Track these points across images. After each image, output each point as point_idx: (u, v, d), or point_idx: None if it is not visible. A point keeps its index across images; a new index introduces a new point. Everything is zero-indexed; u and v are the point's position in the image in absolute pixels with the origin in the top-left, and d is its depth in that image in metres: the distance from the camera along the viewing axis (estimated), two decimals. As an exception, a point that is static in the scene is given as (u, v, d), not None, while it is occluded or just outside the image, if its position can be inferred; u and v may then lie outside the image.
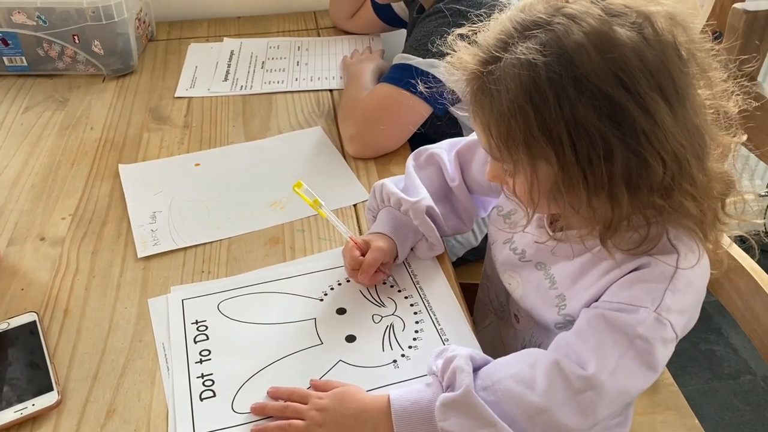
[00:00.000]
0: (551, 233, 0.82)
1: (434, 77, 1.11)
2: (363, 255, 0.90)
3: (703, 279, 0.76)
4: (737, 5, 0.89)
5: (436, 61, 1.13)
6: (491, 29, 0.71)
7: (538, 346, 0.87)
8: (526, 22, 0.68)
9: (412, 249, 0.96)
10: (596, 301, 0.75)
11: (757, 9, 0.88)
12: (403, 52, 1.21)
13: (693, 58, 0.68)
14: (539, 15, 0.68)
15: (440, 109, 1.18)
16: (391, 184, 0.96)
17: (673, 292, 0.71)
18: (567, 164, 0.66)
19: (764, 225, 2.30)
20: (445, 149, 1.00)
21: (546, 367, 0.70)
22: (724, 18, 0.94)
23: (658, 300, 0.71)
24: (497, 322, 0.98)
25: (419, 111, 1.17)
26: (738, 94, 0.73)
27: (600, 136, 0.64)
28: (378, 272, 0.91)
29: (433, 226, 0.93)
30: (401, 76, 1.17)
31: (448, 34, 0.75)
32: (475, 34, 0.74)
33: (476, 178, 0.97)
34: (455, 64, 0.74)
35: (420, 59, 1.16)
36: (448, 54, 0.75)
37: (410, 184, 0.96)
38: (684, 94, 0.67)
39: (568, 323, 0.80)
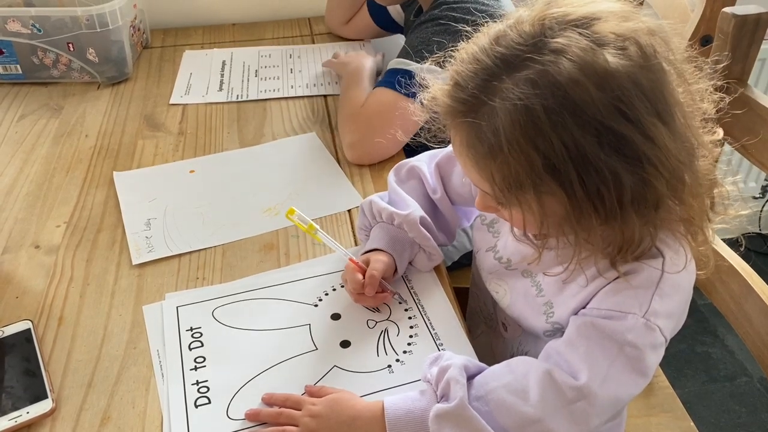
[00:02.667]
0: (536, 242, 0.82)
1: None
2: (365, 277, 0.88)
3: (690, 281, 0.76)
4: (726, 10, 0.90)
5: (434, 66, 1.13)
6: (465, 64, 0.69)
7: (526, 355, 0.87)
8: (507, 57, 0.66)
9: (410, 263, 0.95)
10: (584, 308, 0.75)
11: (746, 13, 0.88)
12: (399, 56, 1.21)
13: (673, 67, 0.68)
14: (520, 48, 0.65)
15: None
16: (380, 199, 0.95)
17: (661, 297, 0.71)
18: (577, 200, 0.65)
19: (759, 226, 2.31)
20: (424, 162, 0.99)
21: (538, 378, 0.70)
22: (714, 22, 0.95)
23: (645, 305, 0.71)
24: (487, 330, 0.98)
25: (419, 116, 1.18)
26: (712, 92, 0.72)
27: (607, 168, 0.63)
28: (383, 293, 0.90)
29: (428, 235, 0.92)
30: (398, 81, 1.17)
31: (445, 41, 0.74)
32: (441, 64, 0.72)
33: (457, 189, 0.96)
34: (434, 108, 0.72)
35: (417, 64, 1.16)
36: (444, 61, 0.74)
37: (397, 198, 0.95)
38: (674, 108, 0.66)
39: (556, 331, 0.80)
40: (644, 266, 0.72)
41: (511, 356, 0.77)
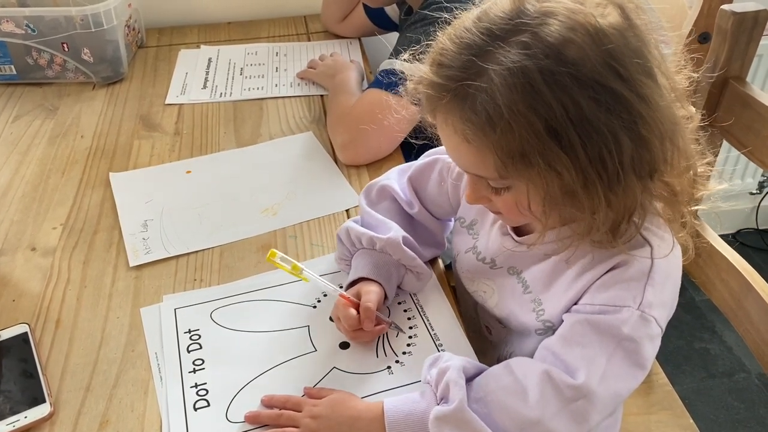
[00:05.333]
0: (517, 239, 0.82)
1: None
2: (358, 312, 0.83)
3: (678, 267, 0.76)
4: (725, 7, 0.89)
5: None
6: (448, 45, 0.67)
7: (511, 355, 0.87)
8: (493, 30, 0.65)
9: (399, 286, 0.91)
10: (576, 304, 0.75)
11: (744, 10, 0.88)
12: (390, 57, 1.21)
13: (651, 35, 0.67)
14: (505, 19, 0.65)
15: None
16: (356, 225, 0.91)
17: (653, 287, 0.71)
18: (581, 165, 0.64)
19: (756, 223, 2.31)
20: (394, 179, 0.96)
21: (537, 378, 0.70)
22: (712, 19, 0.95)
23: (639, 297, 0.71)
24: (473, 335, 0.96)
25: (411, 113, 1.18)
26: (684, 67, 0.72)
27: (607, 129, 0.63)
28: (380, 325, 0.84)
29: (414, 255, 0.88)
30: (389, 81, 1.17)
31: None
32: (418, 56, 0.71)
33: (434, 199, 0.94)
34: (421, 89, 0.70)
35: (408, 65, 1.16)
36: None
37: (373, 222, 0.92)
38: (657, 71, 0.66)
39: (548, 329, 0.79)
40: (633, 257, 0.71)
41: (498, 360, 0.76)
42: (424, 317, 0.89)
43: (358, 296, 0.85)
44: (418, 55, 0.74)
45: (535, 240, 0.76)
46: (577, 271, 0.75)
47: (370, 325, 0.83)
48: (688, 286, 2.16)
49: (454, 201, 0.92)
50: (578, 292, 0.75)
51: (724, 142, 1.00)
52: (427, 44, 0.73)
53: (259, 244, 1.03)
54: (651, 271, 0.71)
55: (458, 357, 0.75)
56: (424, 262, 0.91)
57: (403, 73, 0.78)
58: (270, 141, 1.28)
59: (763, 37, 0.93)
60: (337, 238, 0.93)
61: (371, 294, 0.84)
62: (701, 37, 1.01)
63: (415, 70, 0.72)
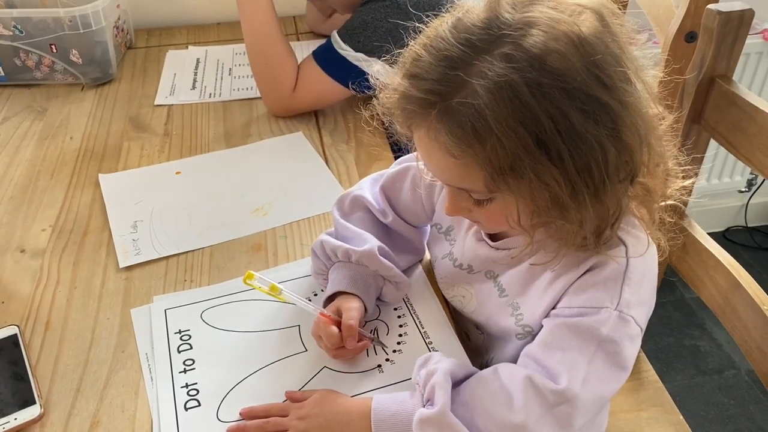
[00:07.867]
0: (492, 244, 0.81)
1: (359, 70, 1.21)
2: (340, 329, 0.81)
3: (654, 265, 0.76)
4: (711, 6, 0.90)
5: (363, 56, 1.22)
6: (426, 54, 0.65)
7: (492, 360, 0.87)
8: (473, 41, 0.63)
9: (378, 298, 0.89)
10: (554, 308, 0.74)
11: (730, 10, 0.89)
12: (339, 31, 1.25)
13: (627, 39, 0.67)
14: (484, 29, 0.63)
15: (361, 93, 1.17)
16: (331, 238, 0.89)
17: (630, 287, 0.71)
18: (569, 176, 0.63)
19: (745, 220, 2.33)
20: (366, 188, 0.95)
21: (520, 384, 0.70)
22: (698, 19, 0.95)
23: (616, 297, 0.70)
24: None
25: (338, 94, 1.29)
26: (650, 67, 0.71)
27: (594, 139, 0.63)
28: (362, 341, 0.83)
29: (390, 265, 0.87)
30: (329, 59, 1.26)
31: (384, 26, 0.71)
32: (392, 65, 0.70)
33: (408, 207, 0.93)
34: (395, 101, 0.68)
35: (351, 51, 1.23)
36: (380, 48, 0.71)
37: (347, 234, 0.90)
38: (633, 75, 0.66)
39: (528, 334, 0.79)
40: (608, 259, 0.71)
41: (480, 366, 0.76)
42: (414, 315, 0.89)
43: (338, 313, 0.83)
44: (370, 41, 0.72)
45: (521, 250, 0.74)
46: (553, 274, 0.75)
47: (353, 343, 0.81)
48: (678, 283, 2.18)
49: (428, 208, 0.91)
50: (556, 295, 0.74)
51: (712, 141, 1.01)
52: (372, 33, 0.71)
53: (249, 244, 1.03)
54: (627, 270, 0.71)
55: (447, 360, 0.75)
56: (403, 271, 0.90)
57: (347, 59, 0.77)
58: (260, 141, 1.28)
59: (748, 35, 0.94)
60: (311, 252, 0.91)
61: (352, 311, 0.82)
62: (688, 36, 1.01)
63: (387, 79, 0.71)
